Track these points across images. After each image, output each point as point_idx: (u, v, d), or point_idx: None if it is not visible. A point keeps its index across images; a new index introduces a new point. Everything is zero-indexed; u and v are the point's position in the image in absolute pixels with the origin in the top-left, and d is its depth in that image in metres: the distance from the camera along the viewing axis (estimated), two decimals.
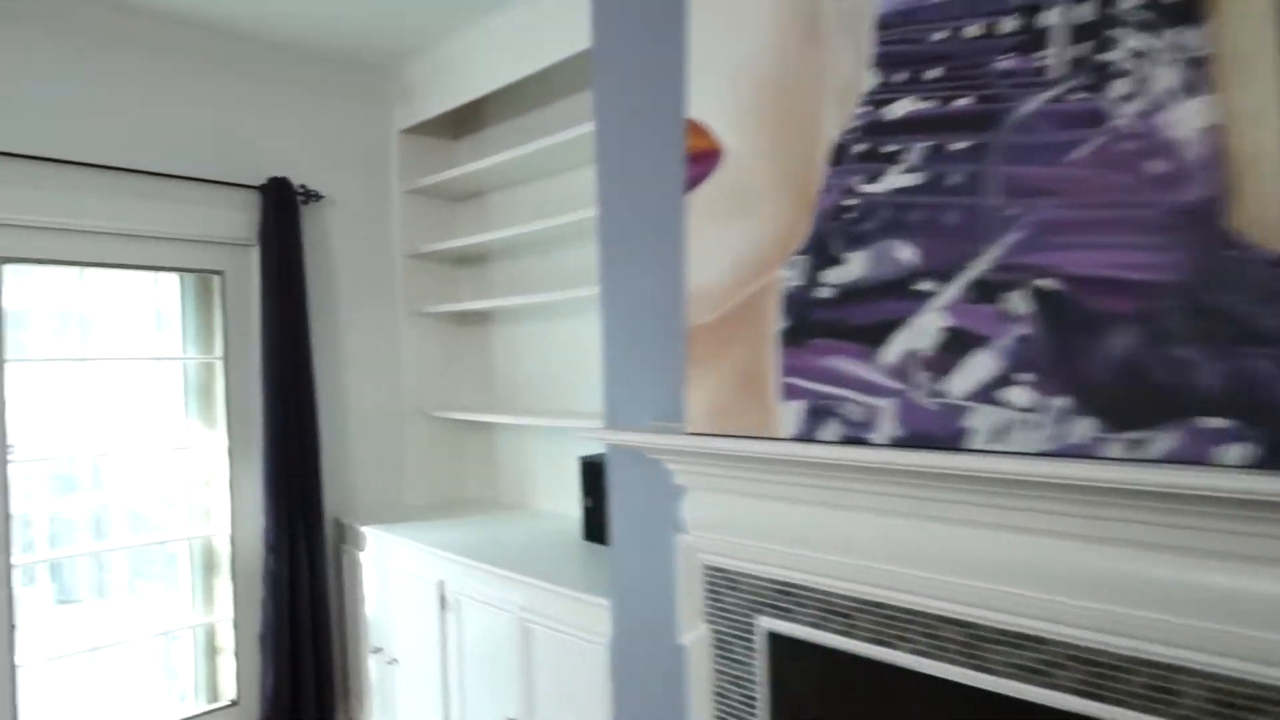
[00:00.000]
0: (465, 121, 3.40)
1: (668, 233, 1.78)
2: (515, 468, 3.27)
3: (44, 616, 2.80)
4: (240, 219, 2.92)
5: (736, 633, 1.64)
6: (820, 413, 1.39)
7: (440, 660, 2.57)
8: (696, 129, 1.61)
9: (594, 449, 2.82)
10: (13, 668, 2.52)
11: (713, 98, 1.59)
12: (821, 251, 1.41)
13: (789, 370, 1.44)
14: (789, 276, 1.45)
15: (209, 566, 2.97)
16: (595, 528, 2.56)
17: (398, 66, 3.22)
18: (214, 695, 2.94)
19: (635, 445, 1.66)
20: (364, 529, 2.94)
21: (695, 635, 1.71)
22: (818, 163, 1.42)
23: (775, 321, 1.47)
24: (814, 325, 1.41)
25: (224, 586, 2.93)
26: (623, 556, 1.93)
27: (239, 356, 2.95)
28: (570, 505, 3.00)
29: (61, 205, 2.57)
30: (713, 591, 1.68)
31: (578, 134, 2.50)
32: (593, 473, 2.57)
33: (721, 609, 1.67)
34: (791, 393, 1.43)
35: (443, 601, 2.56)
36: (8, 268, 2.55)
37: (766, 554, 1.56)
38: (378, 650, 2.88)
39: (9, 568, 2.52)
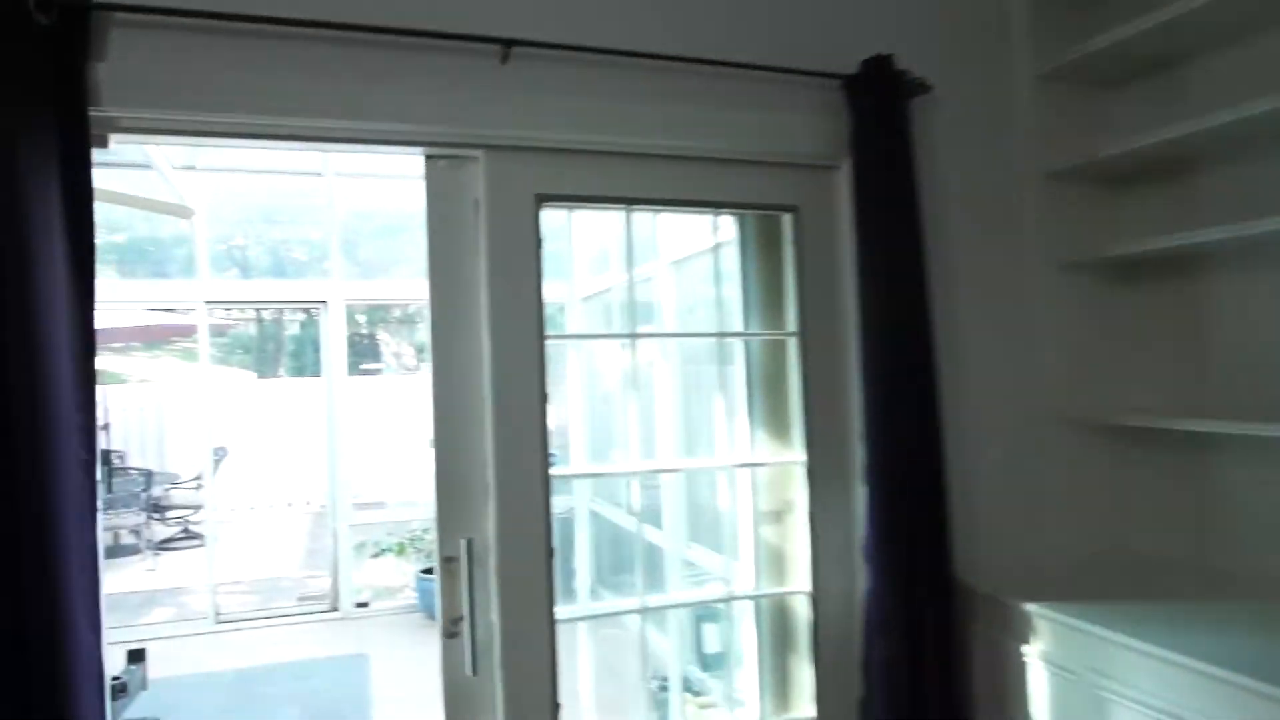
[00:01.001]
0: None
1: None
2: (1247, 512, 1.93)
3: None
4: (817, 127, 1.95)
5: None
6: None
7: None
8: None
9: None
10: None
11: None
12: None
13: None
14: None
15: (781, 639, 2.06)
16: None
17: None
18: None
19: None
20: (1029, 607, 1.81)
21: None
22: None
23: None
24: None
25: (803, 670, 2.01)
26: None
27: (820, 333, 2.00)
28: None
29: (599, 118, 1.78)
30: None
31: None
32: None
33: None
34: None
35: None
36: (546, 213, 1.83)
37: None
38: None
39: (553, 623, 1.81)
